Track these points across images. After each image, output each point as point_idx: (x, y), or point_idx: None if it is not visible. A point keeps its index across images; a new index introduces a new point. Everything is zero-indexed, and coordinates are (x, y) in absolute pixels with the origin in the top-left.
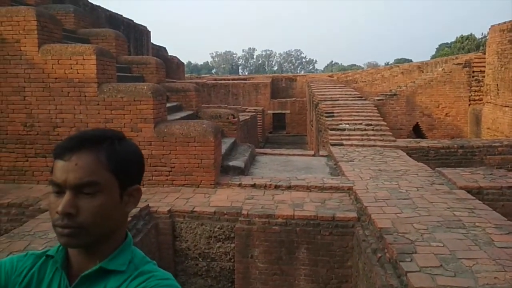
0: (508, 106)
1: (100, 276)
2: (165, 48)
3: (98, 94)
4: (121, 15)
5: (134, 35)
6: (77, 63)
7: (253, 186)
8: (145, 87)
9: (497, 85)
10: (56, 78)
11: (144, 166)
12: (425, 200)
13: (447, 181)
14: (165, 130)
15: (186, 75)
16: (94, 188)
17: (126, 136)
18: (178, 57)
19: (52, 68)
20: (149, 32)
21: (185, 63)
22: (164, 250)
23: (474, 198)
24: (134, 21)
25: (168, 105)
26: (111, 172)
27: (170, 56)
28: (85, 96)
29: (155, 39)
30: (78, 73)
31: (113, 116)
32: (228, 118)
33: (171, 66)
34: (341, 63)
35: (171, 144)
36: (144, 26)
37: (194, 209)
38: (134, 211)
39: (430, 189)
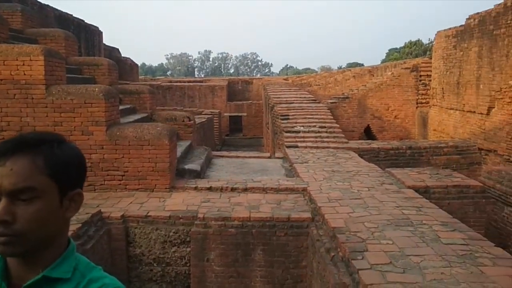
0: (452, 109)
1: (44, 286)
2: (118, 49)
3: (46, 96)
4: (71, 15)
5: (85, 35)
6: (24, 64)
7: (209, 189)
8: (96, 89)
9: (442, 88)
10: (1, 80)
11: (86, 170)
12: (376, 200)
13: (396, 181)
14: (118, 133)
15: (140, 77)
16: (30, 194)
17: (74, 140)
18: (132, 58)
19: None
20: (101, 32)
21: (139, 65)
22: (117, 256)
23: (422, 197)
24: (85, 21)
25: (121, 107)
26: (49, 177)
27: (123, 57)
28: (33, 98)
29: (107, 40)
30: (25, 74)
31: (63, 119)
32: (183, 121)
33: (124, 68)
34: (296, 67)
35: (124, 148)
36: (95, 26)
37: (149, 214)
38: (85, 217)
39: (380, 189)
